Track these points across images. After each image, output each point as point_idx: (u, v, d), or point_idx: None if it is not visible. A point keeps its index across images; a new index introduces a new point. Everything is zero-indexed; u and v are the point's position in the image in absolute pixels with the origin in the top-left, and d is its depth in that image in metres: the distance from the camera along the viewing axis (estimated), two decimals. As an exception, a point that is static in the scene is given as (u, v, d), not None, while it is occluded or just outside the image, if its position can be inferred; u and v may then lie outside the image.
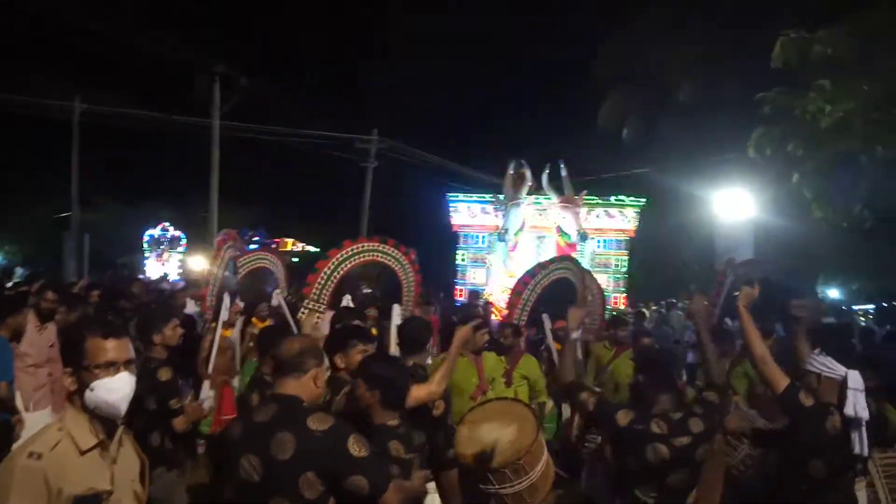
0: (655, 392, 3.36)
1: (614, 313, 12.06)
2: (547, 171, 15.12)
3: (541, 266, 9.26)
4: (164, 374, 4.09)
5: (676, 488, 3.23)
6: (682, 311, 15.70)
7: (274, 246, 29.68)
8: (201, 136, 19.99)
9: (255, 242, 28.23)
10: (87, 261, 21.47)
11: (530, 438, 4.03)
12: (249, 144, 22.79)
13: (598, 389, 6.04)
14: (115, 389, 2.28)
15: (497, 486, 3.91)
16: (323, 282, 7.39)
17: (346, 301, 6.96)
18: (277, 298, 7.75)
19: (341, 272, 7.50)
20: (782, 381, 3.31)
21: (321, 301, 7.29)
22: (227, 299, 6.79)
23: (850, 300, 25.17)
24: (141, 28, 22.24)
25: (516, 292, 8.90)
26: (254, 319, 7.75)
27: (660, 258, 24.80)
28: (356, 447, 2.49)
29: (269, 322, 7.53)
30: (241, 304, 7.48)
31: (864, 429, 3.15)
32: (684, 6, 18.77)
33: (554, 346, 7.30)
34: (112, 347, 2.33)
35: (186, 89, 19.79)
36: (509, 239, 15.45)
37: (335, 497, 2.49)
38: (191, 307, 8.70)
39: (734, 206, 18.12)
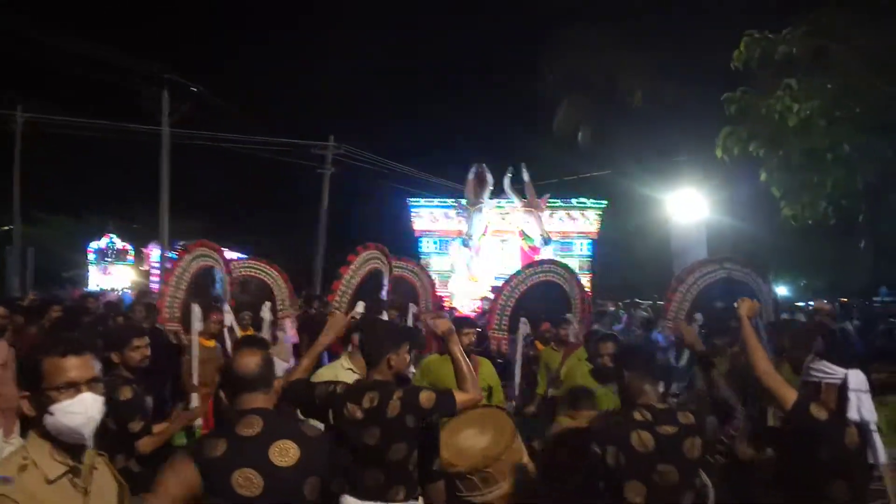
0: (639, 383, 3.10)
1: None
2: (509, 175, 15.14)
3: (519, 271, 9.27)
4: (125, 394, 3.85)
5: (666, 486, 2.91)
6: (644, 312, 15.90)
7: None
8: (150, 146, 19.51)
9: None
10: (30, 276, 20.70)
11: (501, 447, 3.96)
12: (201, 153, 22.31)
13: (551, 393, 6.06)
14: (77, 413, 2.07)
15: (465, 493, 3.83)
16: (344, 287, 7.34)
17: (360, 308, 6.95)
18: (267, 313, 7.62)
19: (359, 278, 7.47)
20: (790, 395, 3.02)
21: (342, 306, 7.21)
22: (196, 310, 6.79)
23: (798, 297, 25.92)
24: (87, 35, 21.47)
25: (494, 298, 8.97)
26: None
27: (618, 259, 25.10)
28: (336, 454, 2.63)
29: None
30: (226, 314, 7.26)
31: (875, 434, 2.91)
32: (637, 11, 19.14)
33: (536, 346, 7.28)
34: (72, 367, 2.10)
35: (135, 98, 19.31)
36: (472, 244, 15.42)
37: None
38: None
39: (688, 207, 18.48)
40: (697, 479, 3.08)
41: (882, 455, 2.90)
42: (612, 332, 9.30)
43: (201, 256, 8.00)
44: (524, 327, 7.49)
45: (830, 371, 3.01)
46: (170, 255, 19.20)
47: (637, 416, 2.98)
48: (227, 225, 25.75)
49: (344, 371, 4.28)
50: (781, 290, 28.07)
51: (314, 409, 3.29)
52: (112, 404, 3.76)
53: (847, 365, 3.00)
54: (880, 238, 11.71)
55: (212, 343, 6.91)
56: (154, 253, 26.76)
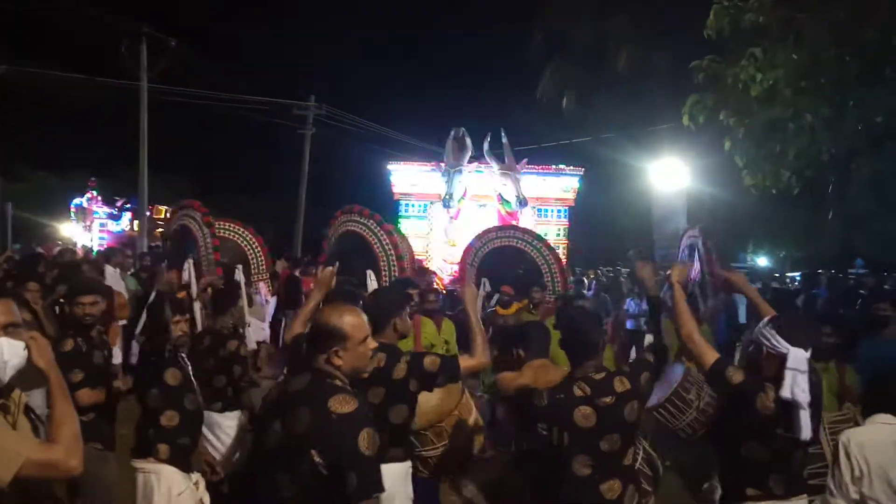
0: (580, 358, 3.19)
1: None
2: (488, 140, 15.10)
3: (482, 234, 9.42)
4: (66, 346, 3.98)
5: (611, 452, 3.05)
6: (625, 277, 16.09)
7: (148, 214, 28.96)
8: (131, 101, 19.27)
9: (126, 209, 27.53)
10: (10, 231, 20.57)
11: (454, 402, 4.10)
12: (181, 110, 22.07)
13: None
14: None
15: (421, 448, 3.97)
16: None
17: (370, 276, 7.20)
18: (240, 277, 7.68)
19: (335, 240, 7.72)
20: (710, 356, 3.16)
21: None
22: (190, 266, 7.23)
23: (777, 268, 26.21)
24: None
25: (462, 257, 9.12)
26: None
27: (598, 227, 25.25)
28: (365, 443, 2.34)
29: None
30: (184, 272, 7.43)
31: (804, 412, 2.95)
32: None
33: (491, 311, 7.38)
34: None
35: (115, 53, 19.00)
36: (452, 206, 15.39)
37: (333, 483, 2.36)
38: (113, 276, 8.66)
39: (669, 175, 18.54)
40: (638, 437, 3.21)
41: (807, 432, 2.95)
42: (582, 300, 9.49)
43: (186, 214, 8.16)
44: (483, 288, 7.61)
45: (775, 342, 3.06)
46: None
47: (577, 391, 3.06)
48: (208, 183, 25.64)
49: None
50: (762, 261, 28.39)
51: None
52: (56, 356, 3.89)
53: (793, 342, 3.03)
54: (849, 209, 11.86)
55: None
56: (99, 209, 26.72)
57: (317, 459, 2.32)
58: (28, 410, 2.34)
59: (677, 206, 19.22)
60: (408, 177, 16.50)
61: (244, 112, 21.86)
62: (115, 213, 27.62)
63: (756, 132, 7.56)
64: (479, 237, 9.33)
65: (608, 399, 3.05)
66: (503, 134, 15.15)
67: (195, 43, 22.31)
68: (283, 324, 8.92)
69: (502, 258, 9.21)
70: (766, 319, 3.24)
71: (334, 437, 2.34)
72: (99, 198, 27.71)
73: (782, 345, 3.03)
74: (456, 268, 14.05)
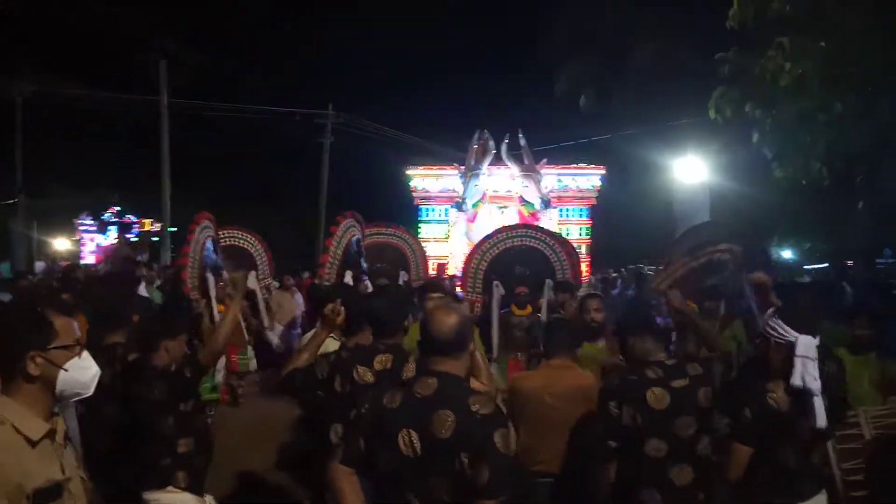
0: (643, 344, 3.08)
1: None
2: (506, 141, 15.05)
3: (489, 235, 9.33)
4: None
5: (684, 437, 2.94)
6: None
7: (136, 226, 29.13)
8: (151, 117, 19.44)
9: (113, 224, 27.76)
10: (35, 248, 20.87)
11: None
12: (202, 124, 22.25)
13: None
14: (89, 367, 2.23)
15: None
16: (332, 259, 7.57)
17: (348, 278, 7.19)
18: (254, 282, 7.74)
19: (342, 248, 7.73)
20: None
21: (332, 277, 7.47)
22: (211, 278, 7.30)
23: (803, 260, 25.80)
24: (85, 4, 21.23)
25: (466, 262, 9.06)
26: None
27: (619, 225, 25.04)
28: (501, 441, 2.34)
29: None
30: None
31: (817, 399, 2.92)
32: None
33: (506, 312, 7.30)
34: (75, 326, 2.25)
35: (134, 68, 19.22)
36: (467, 209, 15.38)
37: (473, 481, 2.36)
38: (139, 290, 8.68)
39: (690, 170, 18.38)
40: (712, 424, 3.09)
41: (822, 420, 2.91)
42: (597, 293, 9.32)
43: (206, 228, 8.16)
44: (497, 291, 7.53)
45: (782, 332, 3.02)
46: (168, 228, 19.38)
47: (650, 373, 2.98)
48: (228, 195, 25.76)
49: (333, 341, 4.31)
50: (786, 254, 27.98)
51: (316, 384, 3.26)
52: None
53: (800, 329, 2.99)
54: (880, 199, 11.64)
55: (221, 308, 7.29)
56: (85, 224, 26.98)
57: (464, 460, 2.33)
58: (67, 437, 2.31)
59: (700, 201, 19.05)
60: (426, 181, 16.55)
61: (265, 123, 22.00)
62: (102, 227, 27.98)
63: (785, 124, 7.42)
64: (487, 238, 9.22)
65: (682, 381, 2.97)
66: (521, 135, 15.11)
67: (213, 55, 22.47)
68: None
69: (514, 259, 9.04)
70: (770, 311, 3.21)
71: (478, 437, 2.34)
72: (118, 210, 28.05)
73: (790, 333, 2.99)
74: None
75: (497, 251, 9.00)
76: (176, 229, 18.79)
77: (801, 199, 16.77)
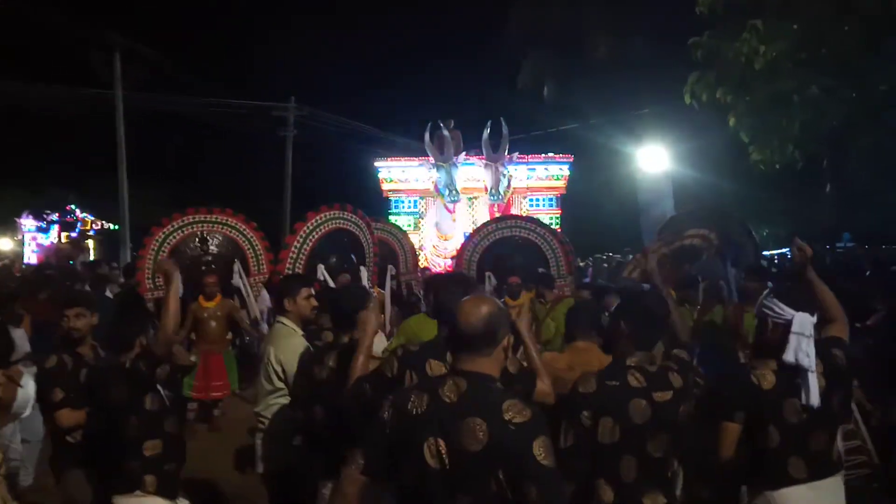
0: (640, 346, 2.85)
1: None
2: (487, 130, 14.85)
3: (484, 225, 9.31)
4: (48, 362, 3.58)
5: (657, 458, 2.70)
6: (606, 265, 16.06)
7: (81, 225, 28.55)
8: (107, 113, 18.87)
9: (54, 223, 27.21)
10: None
11: None
12: (160, 120, 21.69)
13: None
14: (28, 384, 2.00)
15: None
16: (294, 256, 7.44)
17: (321, 271, 7.12)
18: (237, 277, 7.58)
19: (310, 244, 7.62)
20: None
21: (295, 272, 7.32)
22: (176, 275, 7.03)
23: (761, 246, 26.34)
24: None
25: (459, 254, 9.01)
26: (199, 296, 7.59)
27: (585, 215, 25.22)
28: (542, 452, 2.06)
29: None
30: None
31: (812, 375, 2.84)
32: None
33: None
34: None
35: (87, 64, 18.61)
36: (458, 198, 15.15)
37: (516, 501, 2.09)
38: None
39: (653, 160, 18.57)
40: (678, 447, 2.86)
41: (815, 398, 2.84)
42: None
43: (186, 225, 7.94)
44: (489, 282, 7.51)
45: (779, 311, 2.96)
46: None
47: (632, 380, 2.73)
48: (189, 193, 25.19)
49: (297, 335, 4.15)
50: (745, 241, 28.51)
51: (387, 384, 2.93)
52: (39, 372, 3.67)
53: (797, 307, 2.93)
54: (844, 183, 11.89)
55: (211, 304, 7.48)
56: (27, 223, 26.37)
57: (500, 477, 2.05)
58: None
59: (663, 190, 19.27)
60: (395, 173, 16.37)
61: (223, 117, 21.52)
62: (45, 226, 27.29)
63: (760, 107, 7.48)
64: (476, 231, 9.20)
65: (665, 395, 2.72)
66: (504, 124, 14.90)
67: (170, 48, 21.90)
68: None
69: (504, 249, 9.05)
70: (765, 292, 3.16)
71: (514, 451, 2.05)
72: (77, 210, 27.35)
73: (787, 311, 2.94)
74: (450, 262, 13.92)
75: (489, 242, 9.01)
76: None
77: (761, 186, 17.07)
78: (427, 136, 14.93)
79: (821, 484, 2.93)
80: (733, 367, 3.07)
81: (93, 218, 29.09)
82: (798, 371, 2.87)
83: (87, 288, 8.14)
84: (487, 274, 8.50)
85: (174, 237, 7.94)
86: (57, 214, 27.24)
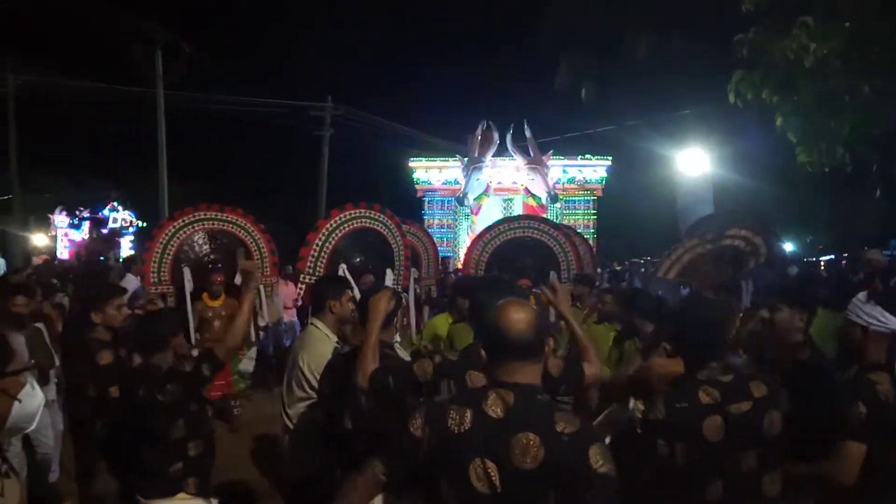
0: (702, 358, 2.57)
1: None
2: (511, 133, 14.83)
3: (494, 225, 9.12)
4: (104, 358, 3.73)
5: (746, 474, 2.44)
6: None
7: (112, 222, 28.80)
8: (146, 109, 19.15)
9: (86, 220, 27.51)
10: (31, 244, 20.60)
11: None
12: (199, 117, 21.95)
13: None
14: (35, 395, 1.92)
15: None
16: (316, 254, 7.37)
17: (342, 270, 7.04)
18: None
19: (333, 242, 7.48)
20: None
21: (316, 273, 7.24)
22: (187, 272, 7.45)
23: (804, 253, 25.69)
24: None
25: (468, 254, 8.88)
26: (204, 295, 7.57)
27: (622, 218, 24.88)
28: (599, 459, 1.91)
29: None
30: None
31: None
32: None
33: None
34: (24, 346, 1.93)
35: (129, 60, 18.89)
36: (469, 203, 15.17)
37: None
38: (132, 283, 8.49)
39: (694, 162, 18.20)
40: (780, 462, 2.56)
41: None
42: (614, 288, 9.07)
43: (196, 221, 7.92)
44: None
45: (884, 319, 2.72)
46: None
47: (703, 397, 2.46)
48: (226, 190, 25.49)
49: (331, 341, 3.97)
50: (788, 247, 27.88)
51: (418, 387, 2.80)
52: (93, 369, 3.66)
53: None
54: (893, 188, 11.43)
55: (217, 303, 7.42)
56: (59, 219, 26.74)
57: (556, 495, 1.90)
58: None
59: (703, 193, 18.87)
60: (430, 173, 16.33)
61: (261, 115, 21.70)
62: (76, 222, 27.70)
63: (808, 107, 7.19)
64: (488, 230, 9.00)
65: (744, 405, 2.45)
66: (527, 126, 14.88)
67: (209, 46, 22.15)
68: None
69: (516, 251, 8.82)
70: (862, 296, 2.87)
71: (570, 464, 1.90)
72: (119, 207, 27.80)
73: (892, 321, 2.70)
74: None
75: (498, 242, 8.80)
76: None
77: (805, 191, 16.61)
78: (476, 133, 14.89)
79: None
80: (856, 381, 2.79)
81: (134, 217, 29.51)
82: None
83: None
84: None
85: (184, 232, 7.91)
86: (88, 211, 27.67)
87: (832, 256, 20.10)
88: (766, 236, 6.96)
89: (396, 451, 2.09)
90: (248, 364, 7.95)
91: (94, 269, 8.76)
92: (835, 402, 2.75)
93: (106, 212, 28.59)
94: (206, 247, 8.03)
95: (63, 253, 25.24)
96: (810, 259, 20.92)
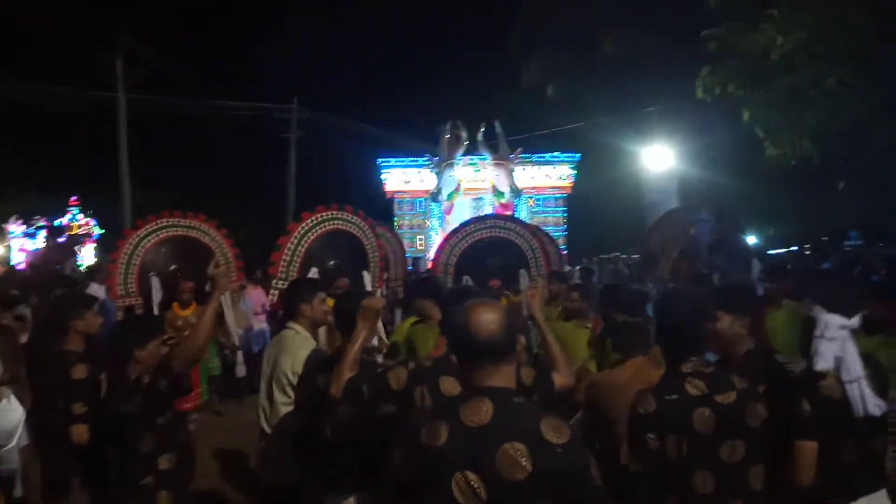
0: (685, 352, 2.59)
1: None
2: (482, 131, 14.80)
3: (462, 226, 9.05)
4: (79, 372, 3.59)
5: (734, 465, 2.46)
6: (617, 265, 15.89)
7: (69, 231, 28.29)
8: (109, 115, 18.76)
9: (41, 228, 27.01)
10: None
11: None
12: (162, 122, 21.56)
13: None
14: (14, 410, 1.78)
15: None
16: (288, 258, 7.21)
17: (313, 274, 6.92)
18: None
19: (305, 245, 7.29)
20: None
21: (289, 278, 7.08)
22: (155, 281, 7.33)
23: (766, 246, 26.07)
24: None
25: (436, 256, 8.80)
26: (174, 304, 7.35)
27: (590, 214, 25.02)
28: (596, 473, 1.88)
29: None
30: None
31: (860, 384, 2.65)
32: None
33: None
34: None
35: (89, 66, 18.50)
36: (442, 200, 15.12)
37: None
38: (98, 293, 8.23)
39: (659, 158, 18.39)
40: (764, 456, 2.58)
41: (870, 406, 2.67)
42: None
43: (160, 229, 7.72)
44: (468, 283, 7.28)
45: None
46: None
47: (691, 389, 2.49)
48: (192, 195, 25.08)
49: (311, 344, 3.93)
50: (750, 240, 28.24)
51: (389, 395, 2.72)
52: (67, 382, 3.50)
53: (830, 308, 2.76)
54: (859, 179, 11.64)
55: (187, 311, 7.13)
56: (14, 228, 26.13)
57: None
58: None
59: (669, 189, 19.07)
60: (399, 174, 16.24)
61: (228, 119, 21.39)
62: (32, 231, 27.03)
63: (776, 100, 7.26)
64: (454, 232, 8.92)
65: (730, 396, 2.49)
66: (497, 124, 14.86)
67: (172, 49, 21.76)
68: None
69: (485, 251, 8.73)
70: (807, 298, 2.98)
71: (566, 476, 1.84)
72: (80, 215, 27.15)
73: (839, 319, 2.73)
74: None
75: (466, 244, 8.71)
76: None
77: (770, 184, 16.85)
78: (445, 133, 14.82)
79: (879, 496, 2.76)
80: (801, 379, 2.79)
81: (96, 224, 28.85)
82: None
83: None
84: (466, 277, 8.21)
85: (148, 241, 7.73)
86: (44, 220, 26.96)
87: (796, 248, 20.44)
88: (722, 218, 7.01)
89: (386, 474, 2.03)
90: (241, 369, 7.78)
91: (57, 279, 8.46)
92: (784, 401, 2.75)
93: (65, 219, 27.83)
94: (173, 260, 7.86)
95: (18, 264, 24.49)
96: (773, 251, 21.22)
